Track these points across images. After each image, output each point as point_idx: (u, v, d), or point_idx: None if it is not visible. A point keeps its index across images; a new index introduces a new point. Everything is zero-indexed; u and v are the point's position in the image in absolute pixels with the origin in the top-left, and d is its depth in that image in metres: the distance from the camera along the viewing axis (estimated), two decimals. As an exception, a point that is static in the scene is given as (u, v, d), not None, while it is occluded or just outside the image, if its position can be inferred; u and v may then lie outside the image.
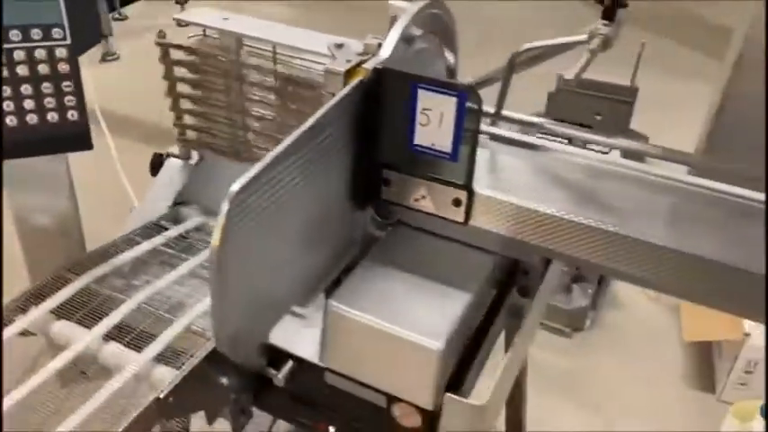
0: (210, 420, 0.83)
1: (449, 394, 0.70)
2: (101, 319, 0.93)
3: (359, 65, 0.77)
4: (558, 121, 0.87)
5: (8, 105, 1.00)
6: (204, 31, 1.09)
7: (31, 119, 1.02)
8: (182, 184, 1.21)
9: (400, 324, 0.71)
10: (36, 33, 1.00)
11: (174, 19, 1.12)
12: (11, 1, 0.97)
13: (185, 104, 1.17)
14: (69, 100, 1.03)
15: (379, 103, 0.73)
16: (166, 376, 0.83)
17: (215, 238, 0.58)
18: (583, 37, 0.76)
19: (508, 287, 0.85)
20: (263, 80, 1.06)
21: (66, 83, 1.03)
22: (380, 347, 0.72)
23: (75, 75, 1.03)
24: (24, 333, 0.92)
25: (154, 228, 1.16)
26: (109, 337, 0.91)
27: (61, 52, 1.02)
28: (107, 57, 3.03)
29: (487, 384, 0.72)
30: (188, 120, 1.18)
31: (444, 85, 0.69)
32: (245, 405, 0.80)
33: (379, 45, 0.75)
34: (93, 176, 1.60)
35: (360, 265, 0.79)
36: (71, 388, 0.83)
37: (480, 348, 0.78)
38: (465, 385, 0.74)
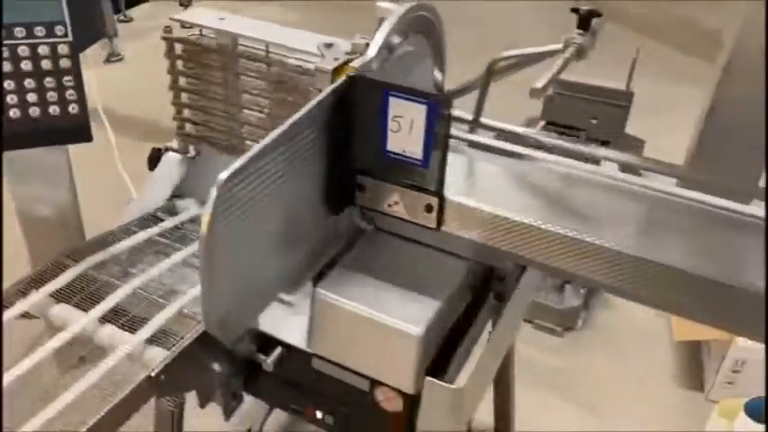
0: (203, 404, 0.85)
1: (428, 378, 0.72)
2: (97, 302, 0.97)
3: (346, 63, 0.78)
4: (541, 131, 0.86)
5: (12, 98, 1.04)
6: (200, 30, 1.12)
7: (34, 111, 1.05)
8: (179, 178, 1.24)
9: (384, 311, 0.74)
10: (39, 30, 1.03)
11: (170, 19, 1.14)
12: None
13: (186, 99, 1.20)
14: (70, 94, 1.07)
15: (354, 110, 0.73)
16: (158, 356, 0.86)
17: (204, 222, 0.60)
18: (558, 46, 0.76)
19: (485, 292, 0.86)
20: (255, 78, 1.10)
21: (67, 78, 1.06)
22: (365, 333, 0.75)
23: (76, 70, 1.07)
24: (25, 315, 0.95)
25: (150, 219, 1.19)
26: (105, 319, 0.94)
27: (63, 49, 1.05)
28: (111, 58, 3.06)
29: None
30: (188, 114, 1.22)
31: (414, 93, 0.69)
32: (235, 389, 0.82)
33: (367, 45, 0.77)
34: (95, 171, 1.63)
35: (346, 256, 0.82)
36: (68, 369, 0.86)
37: (462, 341, 0.80)
38: (447, 375, 0.76)
